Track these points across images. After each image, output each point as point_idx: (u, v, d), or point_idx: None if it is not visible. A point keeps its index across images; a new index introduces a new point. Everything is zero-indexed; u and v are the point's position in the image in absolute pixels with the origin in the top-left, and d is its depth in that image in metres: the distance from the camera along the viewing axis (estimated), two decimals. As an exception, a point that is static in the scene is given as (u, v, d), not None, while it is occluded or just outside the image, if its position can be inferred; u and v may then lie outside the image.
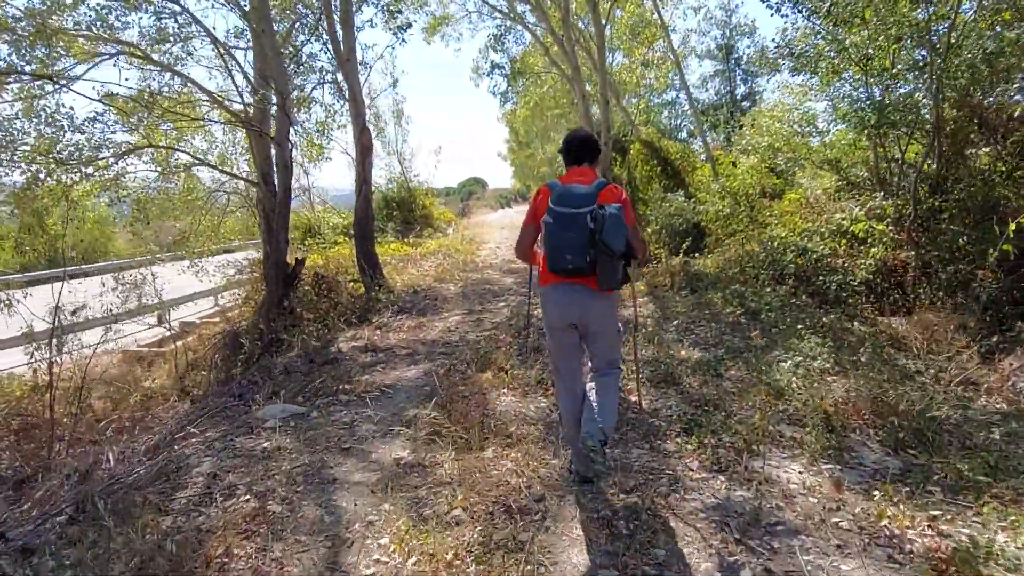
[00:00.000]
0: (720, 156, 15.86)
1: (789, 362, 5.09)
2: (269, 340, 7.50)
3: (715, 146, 16.93)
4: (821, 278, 7.96)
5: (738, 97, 29.58)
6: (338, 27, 10.79)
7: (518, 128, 26.12)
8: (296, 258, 8.85)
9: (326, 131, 13.89)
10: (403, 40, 13.94)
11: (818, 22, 8.85)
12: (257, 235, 13.88)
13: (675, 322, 7.15)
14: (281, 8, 11.86)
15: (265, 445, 4.03)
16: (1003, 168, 7.54)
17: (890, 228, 8.34)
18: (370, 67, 12.44)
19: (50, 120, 8.68)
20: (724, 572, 2.67)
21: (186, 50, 10.44)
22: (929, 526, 2.91)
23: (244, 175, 11.39)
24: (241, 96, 9.67)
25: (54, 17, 8.69)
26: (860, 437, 3.88)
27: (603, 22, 13.35)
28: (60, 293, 7.13)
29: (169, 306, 13.50)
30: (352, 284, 10.64)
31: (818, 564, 2.68)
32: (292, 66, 12.79)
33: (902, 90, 8.78)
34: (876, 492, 3.19)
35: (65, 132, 8.76)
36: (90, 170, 9.42)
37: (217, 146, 13.32)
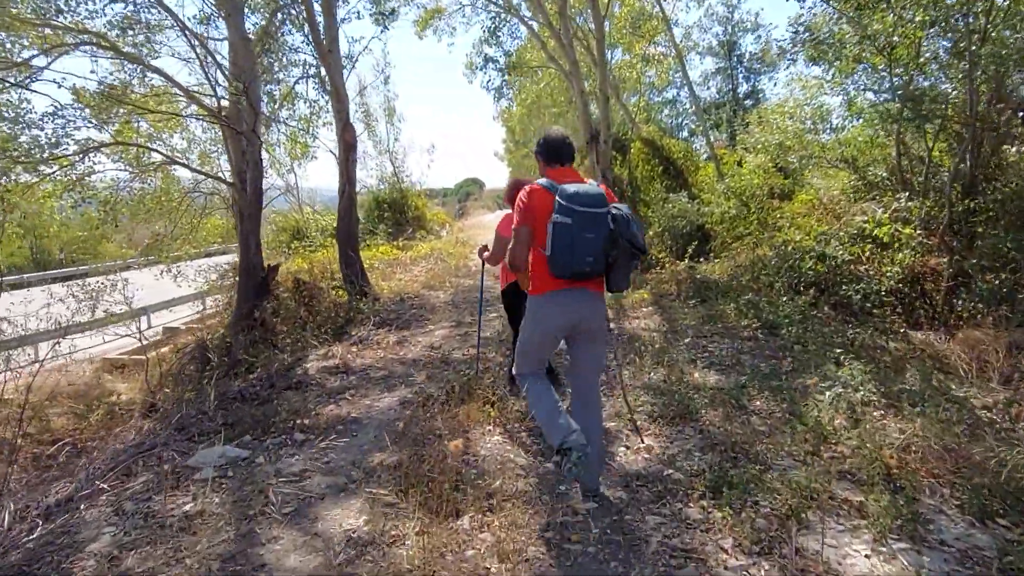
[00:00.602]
0: (724, 155, 15.04)
1: (828, 394, 4.25)
2: (235, 358, 6.65)
3: (719, 145, 16.11)
4: (844, 287, 7.12)
5: (741, 95, 28.72)
6: (319, 16, 9.97)
7: (514, 127, 25.24)
8: (269, 265, 8.01)
9: (311, 128, 13.05)
10: (386, 27, 13.06)
11: (838, 6, 8.02)
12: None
13: (686, 339, 6.31)
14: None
15: (187, 508, 3.18)
16: (1048, 166, 6.72)
17: (918, 232, 7.52)
18: (355, 59, 11.57)
19: (6, 116, 7.92)
20: None
21: (156, 40, 9.63)
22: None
23: (220, 174, 10.57)
24: (215, 89, 8.84)
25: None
26: (934, 501, 3.04)
27: (603, 15, 12.53)
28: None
29: (140, 314, 12.67)
30: (336, 291, 9.81)
31: None
32: (272, 58, 11.98)
33: (923, 83, 7.99)
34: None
35: (24, 128, 7.99)
36: (51, 169, 8.64)
37: (197, 144, 12.51)
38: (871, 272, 7.44)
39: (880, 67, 7.95)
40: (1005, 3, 6.66)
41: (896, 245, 7.51)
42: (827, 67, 8.59)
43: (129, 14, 8.74)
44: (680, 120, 28.40)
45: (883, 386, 4.41)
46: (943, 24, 6.80)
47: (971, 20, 6.75)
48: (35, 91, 9.70)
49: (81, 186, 9.29)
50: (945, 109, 7.00)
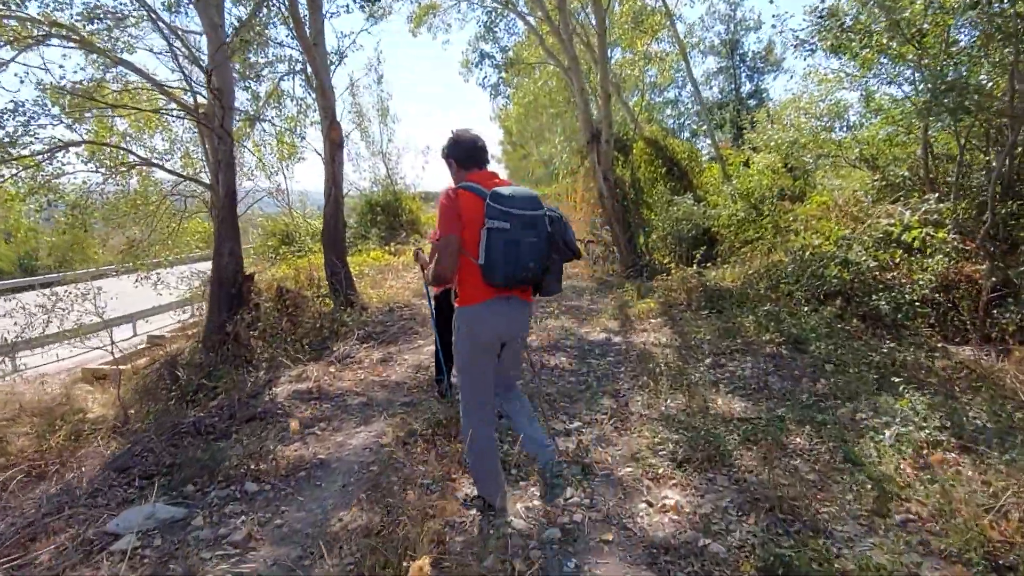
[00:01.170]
0: (730, 155, 14.34)
1: (888, 432, 3.52)
2: (198, 384, 5.91)
3: (724, 145, 15.40)
4: (874, 297, 6.41)
5: (744, 95, 27.93)
6: (303, 8, 9.24)
7: (511, 127, 24.50)
8: (244, 274, 7.27)
9: (298, 127, 12.33)
10: (374, 18, 12.32)
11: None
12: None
13: (707, 360, 5.57)
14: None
15: (89, 597, 2.46)
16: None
17: (953, 236, 6.82)
18: (343, 54, 10.83)
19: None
20: None
21: (129, 32, 8.91)
22: None
23: (199, 176, 9.85)
24: (189, 84, 8.10)
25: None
26: (1060, 593, 2.32)
27: (604, 8, 11.81)
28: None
29: (120, 323, 11.93)
30: (322, 300, 9.06)
31: None
32: (258, 54, 11.27)
33: (953, 75, 7.29)
34: None
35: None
36: (13, 170, 7.91)
37: (180, 145, 11.78)
38: (901, 280, 6.74)
39: (908, 57, 7.24)
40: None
41: (928, 251, 6.82)
42: (849, 58, 7.87)
43: (97, 2, 8.01)
44: (682, 120, 27.70)
45: (948, 420, 3.69)
46: (986, 4, 6.09)
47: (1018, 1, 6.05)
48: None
49: (47, 189, 8.57)
50: (989, 102, 6.29)
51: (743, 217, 11.02)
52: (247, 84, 11.03)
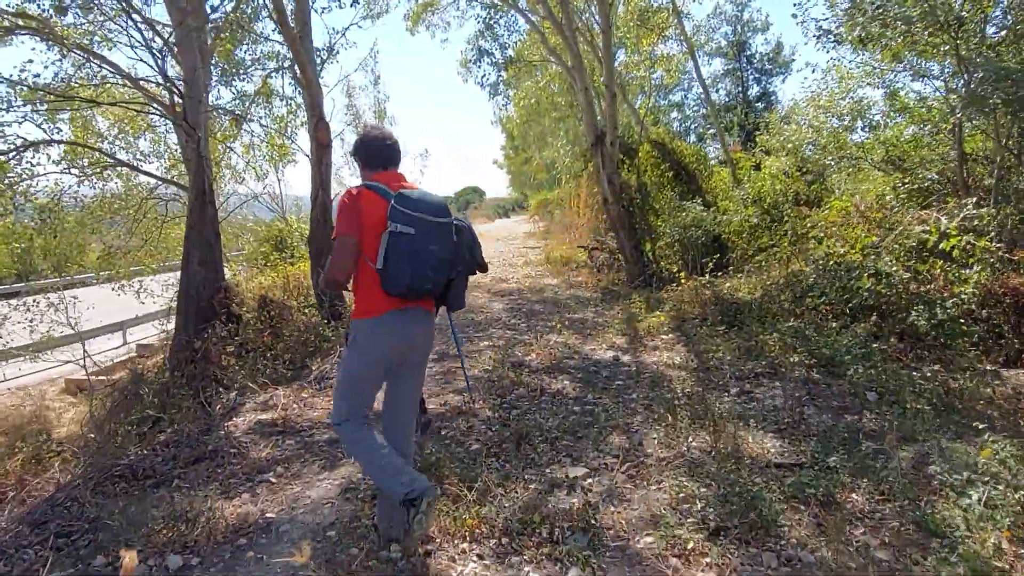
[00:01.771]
0: (740, 159, 13.63)
1: (975, 496, 2.79)
2: (153, 410, 5.20)
3: (734, 148, 14.70)
4: (914, 312, 5.67)
5: (751, 98, 27.12)
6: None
7: (513, 130, 23.74)
8: (216, 286, 6.57)
9: (288, 127, 11.66)
10: (368, 16, 11.66)
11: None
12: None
13: (730, 386, 4.84)
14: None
15: None
16: None
17: (997, 245, 6.10)
18: (334, 49, 10.15)
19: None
20: None
21: (107, 28, 8.22)
22: None
23: (176, 178, 9.19)
24: (165, 76, 7.39)
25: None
26: None
27: (608, 3, 11.11)
28: None
29: (101, 333, 11.23)
30: (309, 311, 8.36)
31: None
32: (240, 49, 10.60)
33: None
34: None
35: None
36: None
37: (170, 147, 11.12)
38: (942, 294, 6.01)
39: (944, 47, 6.52)
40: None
41: (971, 261, 6.10)
42: (874, 48, 7.16)
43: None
44: (689, 124, 26.87)
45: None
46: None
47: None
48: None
49: (12, 191, 7.89)
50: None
51: (756, 223, 10.31)
52: (231, 81, 10.34)
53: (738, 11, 25.24)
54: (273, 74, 10.85)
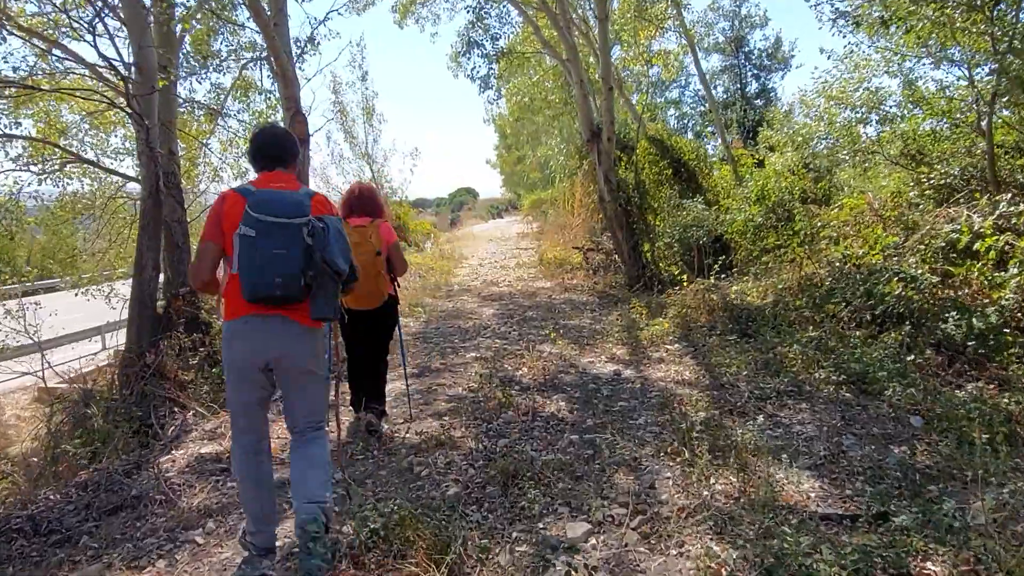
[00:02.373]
0: (743, 156, 12.99)
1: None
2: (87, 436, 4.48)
3: (735, 144, 14.04)
4: (950, 320, 5.01)
5: (750, 95, 26.36)
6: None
7: (505, 128, 23.00)
8: (172, 293, 5.85)
9: (273, 122, 10.90)
10: (352, 6, 10.94)
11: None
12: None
13: (751, 408, 4.16)
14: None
15: None
16: None
17: (1038, 245, 5.46)
18: (315, 39, 9.43)
19: None
20: None
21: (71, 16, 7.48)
22: None
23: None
24: (103, 56, 6.60)
25: None
26: None
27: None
28: None
29: (75, 340, 10.46)
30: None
31: None
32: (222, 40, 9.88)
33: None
34: None
35: None
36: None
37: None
38: (975, 299, 5.37)
39: (977, 29, 5.87)
40: None
41: (1010, 263, 5.46)
42: (899, 34, 6.51)
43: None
44: (686, 121, 26.13)
45: None
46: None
47: None
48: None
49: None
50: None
51: (761, 223, 9.66)
52: (206, 73, 9.62)
53: (736, 6, 24.59)
54: (251, 66, 10.12)
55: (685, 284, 8.69)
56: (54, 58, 7.83)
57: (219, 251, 2.47)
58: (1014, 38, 5.60)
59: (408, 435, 3.98)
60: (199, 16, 8.46)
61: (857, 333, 5.46)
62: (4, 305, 8.32)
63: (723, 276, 8.80)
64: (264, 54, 9.68)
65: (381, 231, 3.85)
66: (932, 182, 6.94)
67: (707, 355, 5.55)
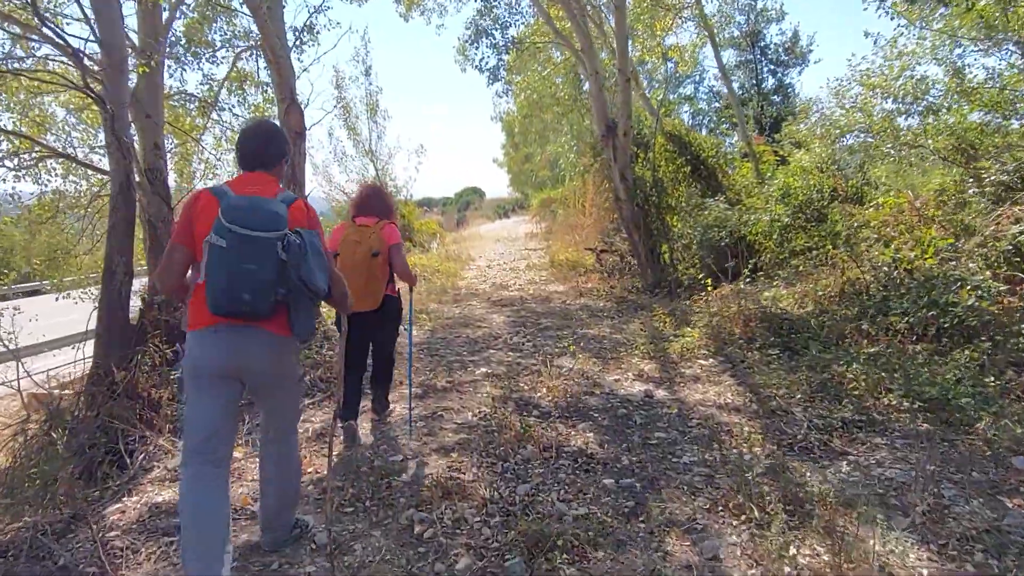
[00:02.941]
0: (765, 152, 12.25)
1: None
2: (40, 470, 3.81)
3: (757, 140, 13.31)
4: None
5: (767, 90, 25.41)
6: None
7: (513, 124, 22.24)
8: (143, 299, 5.19)
9: (264, 117, 10.24)
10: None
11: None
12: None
13: (819, 449, 3.46)
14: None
15: None
16: None
17: None
18: (313, 27, 8.80)
19: None
20: None
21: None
22: None
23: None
24: (57, 33, 5.94)
25: None
26: None
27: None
28: None
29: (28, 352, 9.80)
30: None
31: None
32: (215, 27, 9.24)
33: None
34: None
35: None
36: None
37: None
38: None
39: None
40: None
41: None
42: (960, 12, 5.79)
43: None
44: (701, 119, 25.19)
45: None
46: None
47: None
48: None
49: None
50: None
51: (788, 223, 8.95)
52: (198, 63, 8.97)
53: (752, 0, 23.62)
54: (246, 56, 9.47)
55: (709, 289, 7.99)
56: (34, 44, 7.24)
57: (190, 255, 2.30)
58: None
59: (409, 475, 3.29)
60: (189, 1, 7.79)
61: (918, 348, 4.76)
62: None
63: (748, 280, 8.09)
64: (259, 42, 9.03)
65: (383, 232, 3.72)
66: (992, 179, 6.19)
67: (748, 373, 4.85)
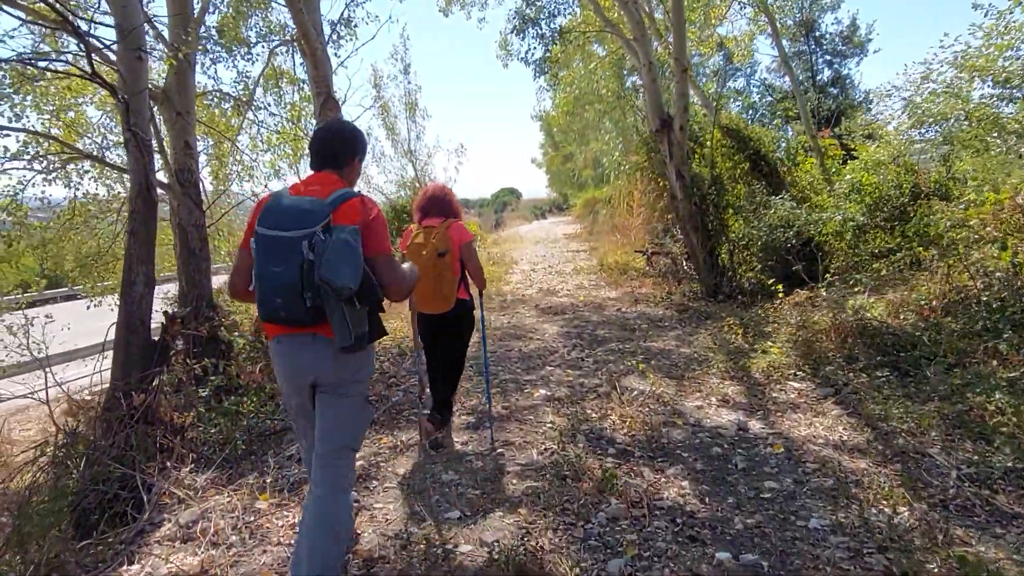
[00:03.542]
0: (831, 147, 11.32)
1: None
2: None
3: (823, 134, 12.35)
4: None
5: (822, 83, 23.95)
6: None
7: (558, 121, 21.36)
8: (165, 314, 4.63)
9: (302, 117, 9.75)
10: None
11: None
12: (219, 258, 9.83)
13: (983, 514, 2.69)
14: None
15: None
16: None
17: None
18: (351, 21, 8.25)
19: None
20: None
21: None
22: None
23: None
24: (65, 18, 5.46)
25: None
26: None
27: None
28: None
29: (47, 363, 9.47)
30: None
31: None
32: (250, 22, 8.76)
33: None
34: None
35: None
36: None
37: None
38: None
39: None
40: None
41: None
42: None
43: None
44: (752, 114, 23.82)
45: None
46: None
47: None
48: None
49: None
50: None
51: (863, 222, 8.08)
52: (233, 59, 8.49)
53: (806, -13, 22.26)
54: (281, 53, 8.97)
55: (781, 296, 7.20)
56: (62, 40, 6.84)
57: (252, 260, 2.15)
58: None
59: (472, 542, 2.62)
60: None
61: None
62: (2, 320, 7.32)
63: (821, 286, 7.28)
64: (294, 35, 8.51)
65: (451, 231, 3.50)
66: None
67: (858, 401, 4.07)
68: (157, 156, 6.35)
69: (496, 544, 2.54)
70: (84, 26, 4.21)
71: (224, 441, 4.32)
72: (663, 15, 11.06)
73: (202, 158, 8.74)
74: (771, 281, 7.55)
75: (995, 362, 4.23)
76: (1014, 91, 6.68)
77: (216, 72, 12.13)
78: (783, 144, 10.91)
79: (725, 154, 10.68)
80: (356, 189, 2.27)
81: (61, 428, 4.63)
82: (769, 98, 23.83)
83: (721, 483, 3.10)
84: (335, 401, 2.22)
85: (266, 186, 9.65)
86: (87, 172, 7.80)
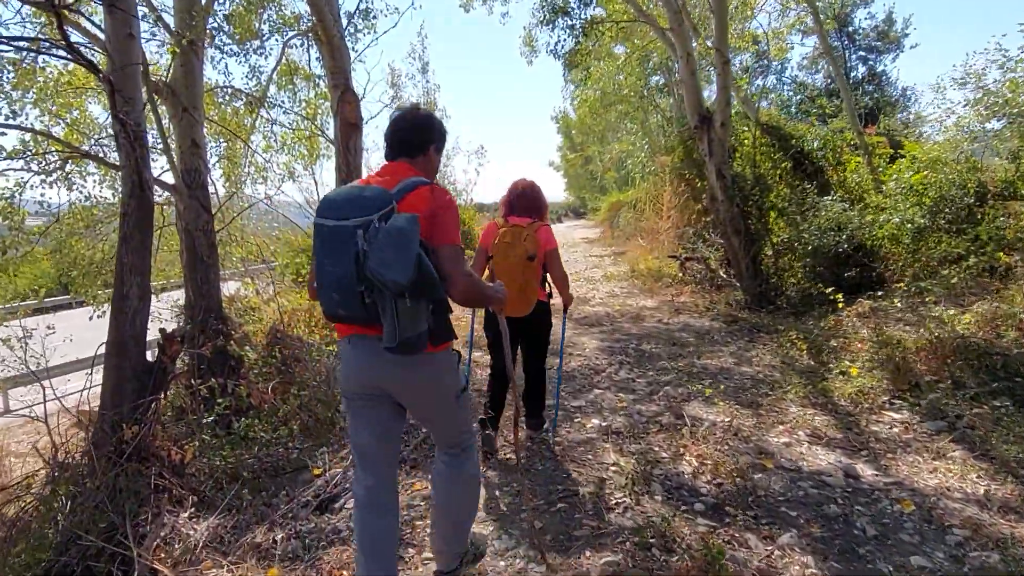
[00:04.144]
0: (879, 145, 10.58)
1: None
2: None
3: (870, 132, 11.59)
4: None
5: (856, 80, 22.72)
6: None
7: (585, 119, 20.58)
8: (163, 331, 3.98)
9: (318, 115, 9.16)
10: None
11: None
12: (231, 264, 9.22)
13: None
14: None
15: None
16: None
17: None
18: (370, 12, 7.64)
19: None
20: None
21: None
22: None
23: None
24: None
25: None
26: None
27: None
28: None
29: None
30: (330, 348, 5.82)
31: None
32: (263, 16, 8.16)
33: None
34: None
35: None
36: None
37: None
38: None
39: None
40: None
41: None
42: None
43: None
44: (789, 109, 22.78)
45: None
46: None
47: None
48: None
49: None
50: None
51: (924, 224, 7.35)
52: (245, 53, 7.90)
53: (839, -18, 21.33)
54: (296, 46, 8.37)
55: (841, 306, 6.47)
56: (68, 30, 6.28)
57: None
58: None
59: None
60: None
61: None
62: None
63: (884, 295, 6.59)
64: (310, 25, 7.91)
65: (539, 234, 3.36)
66: None
67: (979, 438, 3.36)
68: (163, 156, 5.80)
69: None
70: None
71: (231, 476, 3.73)
72: (697, 5, 10.40)
73: (212, 159, 8.19)
74: (829, 289, 6.82)
75: None
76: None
77: (227, 67, 11.58)
78: (819, 142, 10.19)
79: (764, 153, 9.97)
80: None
81: (48, 462, 4.06)
82: (800, 96, 22.91)
83: (853, 557, 2.41)
84: (424, 409, 2.12)
85: (279, 188, 9.04)
86: (91, 174, 7.25)
